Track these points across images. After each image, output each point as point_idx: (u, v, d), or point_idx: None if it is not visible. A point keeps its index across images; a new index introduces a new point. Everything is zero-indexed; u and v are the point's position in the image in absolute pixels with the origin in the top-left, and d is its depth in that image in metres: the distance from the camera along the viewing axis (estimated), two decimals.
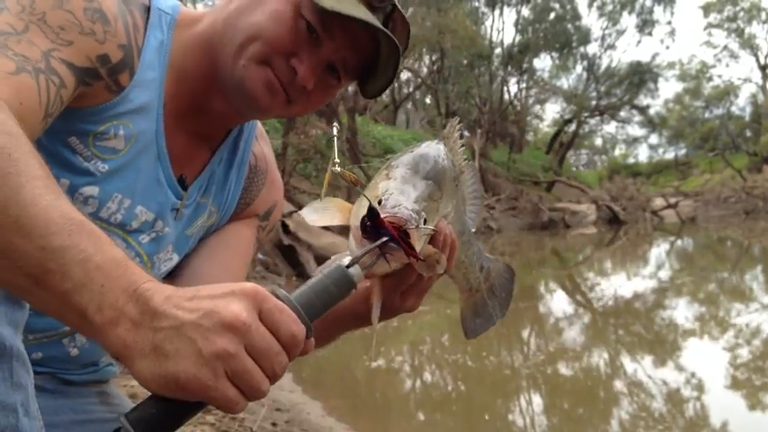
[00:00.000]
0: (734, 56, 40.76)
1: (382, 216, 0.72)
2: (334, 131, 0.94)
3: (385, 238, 0.72)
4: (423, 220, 0.76)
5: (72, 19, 0.84)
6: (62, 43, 0.82)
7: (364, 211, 0.74)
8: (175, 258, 1.09)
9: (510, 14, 42.47)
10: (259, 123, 1.18)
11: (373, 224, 0.72)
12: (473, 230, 0.98)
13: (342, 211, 0.84)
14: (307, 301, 0.69)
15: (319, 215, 0.84)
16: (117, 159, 0.93)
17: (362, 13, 0.93)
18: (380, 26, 0.94)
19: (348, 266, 0.71)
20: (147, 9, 0.97)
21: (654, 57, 47.45)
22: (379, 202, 0.75)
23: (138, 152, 0.95)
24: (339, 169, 0.84)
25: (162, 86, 0.96)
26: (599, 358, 5.64)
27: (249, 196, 1.16)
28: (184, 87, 0.99)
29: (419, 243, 0.76)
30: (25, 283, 0.63)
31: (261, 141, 1.18)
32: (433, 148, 0.85)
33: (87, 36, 0.85)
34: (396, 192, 0.77)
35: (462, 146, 0.92)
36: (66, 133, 0.88)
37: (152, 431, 0.64)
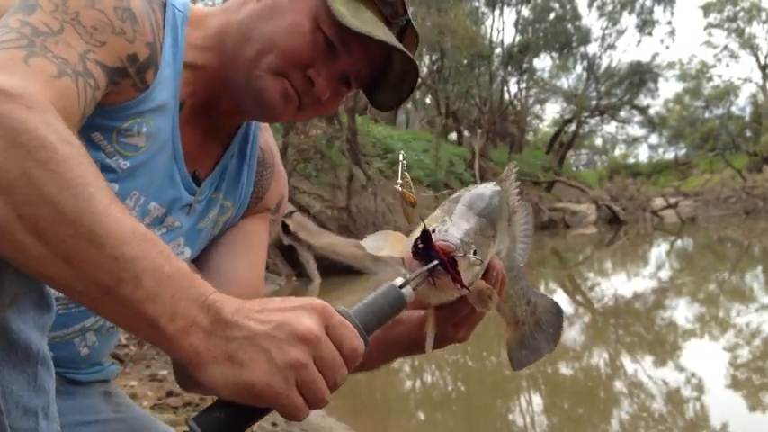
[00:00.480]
0: (734, 56, 40.81)
1: (434, 241, 0.78)
2: (401, 157, 0.95)
3: (435, 262, 0.77)
4: (472, 252, 0.80)
5: (104, 19, 0.84)
6: (96, 44, 0.82)
7: (417, 235, 0.80)
8: (187, 252, 1.09)
9: (510, 14, 42.47)
10: None
11: (425, 247, 0.78)
12: (521, 265, 1.03)
13: (400, 243, 0.89)
14: (364, 318, 0.74)
15: (380, 246, 0.90)
16: (138, 157, 0.93)
17: (383, 33, 0.95)
18: (402, 47, 0.96)
19: (401, 287, 0.77)
20: (164, 5, 0.97)
21: (654, 57, 47.52)
22: (433, 231, 0.80)
23: (156, 150, 0.95)
24: (401, 189, 0.88)
25: (178, 85, 0.96)
26: (599, 358, 5.64)
27: (261, 190, 1.17)
28: (198, 87, 0.99)
29: (467, 273, 0.80)
30: (96, 292, 0.64)
31: (265, 134, 1.19)
32: (489, 189, 0.91)
33: (118, 36, 0.85)
34: (449, 224, 0.83)
35: (518, 188, 0.98)
36: (89, 128, 0.88)
37: None
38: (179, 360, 0.68)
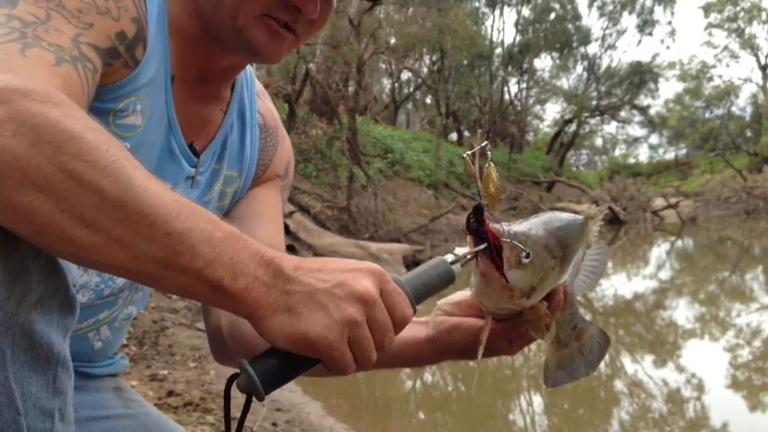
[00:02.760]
0: (734, 56, 40.83)
1: (487, 222, 0.81)
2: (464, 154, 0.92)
3: (484, 245, 0.81)
4: (525, 254, 0.82)
5: (87, 0, 0.82)
6: (84, 27, 0.81)
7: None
8: None
9: (510, 14, 42.53)
10: (258, 83, 1.16)
11: (477, 222, 0.81)
12: (578, 296, 1.04)
13: None
14: (414, 287, 0.79)
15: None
16: (137, 136, 0.91)
17: None
18: None
19: (452, 263, 0.82)
20: None
21: (654, 57, 47.33)
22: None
23: (153, 126, 0.94)
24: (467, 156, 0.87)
25: (167, 55, 0.94)
26: None
27: (267, 157, 1.15)
28: (188, 53, 0.97)
29: (518, 275, 0.82)
30: (154, 269, 0.65)
31: (263, 99, 1.16)
32: (571, 217, 0.92)
33: (104, 15, 0.84)
34: (516, 225, 0.85)
35: (600, 226, 0.98)
36: None
37: (271, 379, 0.73)
38: (240, 314, 0.71)
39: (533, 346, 1.00)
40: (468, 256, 0.83)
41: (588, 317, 1.07)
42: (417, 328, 1.00)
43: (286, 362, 0.73)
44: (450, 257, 0.82)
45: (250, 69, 1.12)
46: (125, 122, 0.90)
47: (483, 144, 0.89)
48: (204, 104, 1.03)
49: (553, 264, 0.86)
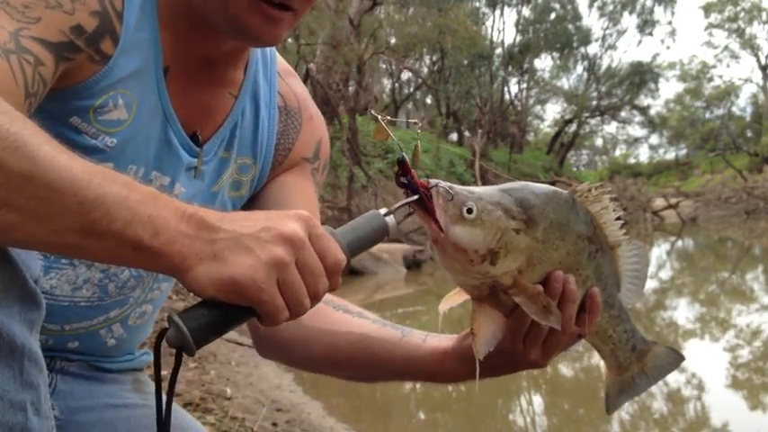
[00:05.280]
0: (734, 56, 40.78)
1: (413, 173, 0.81)
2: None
3: (416, 197, 0.80)
4: (466, 209, 0.80)
5: None
6: (29, 21, 0.79)
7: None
8: None
9: (510, 15, 42.47)
10: (282, 61, 1.12)
11: (402, 174, 0.80)
12: (629, 307, 0.97)
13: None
14: (347, 238, 0.77)
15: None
16: (124, 130, 0.90)
17: None
18: None
19: (385, 215, 0.80)
20: None
21: (654, 57, 46.98)
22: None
23: (144, 118, 0.92)
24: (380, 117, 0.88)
25: (158, 45, 0.92)
26: (599, 358, 5.63)
27: (287, 141, 1.10)
28: (184, 42, 0.94)
29: (462, 228, 0.80)
30: (74, 238, 0.65)
31: (287, 78, 1.11)
32: (542, 185, 0.87)
33: (54, 9, 0.81)
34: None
35: (618, 218, 0.89)
36: (66, 114, 0.86)
37: (202, 332, 0.70)
38: (167, 270, 0.69)
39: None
40: (403, 207, 0.82)
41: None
42: (443, 338, 1.00)
43: (217, 313, 0.70)
44: (383, 210, 0.81)
45: (272, 49, 1.08)
46: (108, 118, 0.88)
47: (414, 122, 0.95)
48: (210, 91, 1.00)
49: (515, 225, 0.81)
